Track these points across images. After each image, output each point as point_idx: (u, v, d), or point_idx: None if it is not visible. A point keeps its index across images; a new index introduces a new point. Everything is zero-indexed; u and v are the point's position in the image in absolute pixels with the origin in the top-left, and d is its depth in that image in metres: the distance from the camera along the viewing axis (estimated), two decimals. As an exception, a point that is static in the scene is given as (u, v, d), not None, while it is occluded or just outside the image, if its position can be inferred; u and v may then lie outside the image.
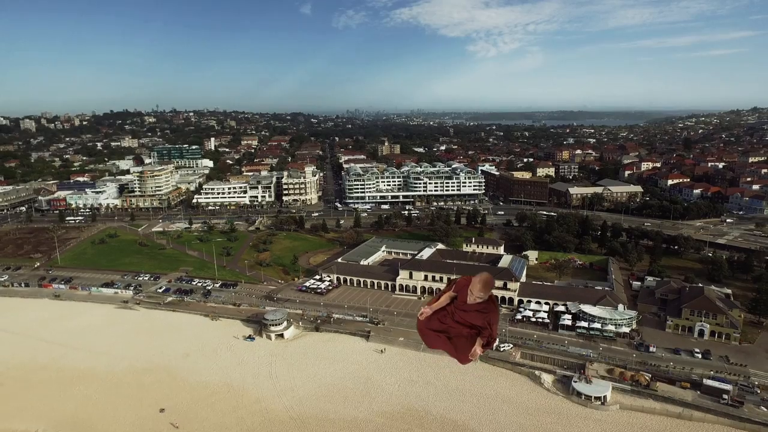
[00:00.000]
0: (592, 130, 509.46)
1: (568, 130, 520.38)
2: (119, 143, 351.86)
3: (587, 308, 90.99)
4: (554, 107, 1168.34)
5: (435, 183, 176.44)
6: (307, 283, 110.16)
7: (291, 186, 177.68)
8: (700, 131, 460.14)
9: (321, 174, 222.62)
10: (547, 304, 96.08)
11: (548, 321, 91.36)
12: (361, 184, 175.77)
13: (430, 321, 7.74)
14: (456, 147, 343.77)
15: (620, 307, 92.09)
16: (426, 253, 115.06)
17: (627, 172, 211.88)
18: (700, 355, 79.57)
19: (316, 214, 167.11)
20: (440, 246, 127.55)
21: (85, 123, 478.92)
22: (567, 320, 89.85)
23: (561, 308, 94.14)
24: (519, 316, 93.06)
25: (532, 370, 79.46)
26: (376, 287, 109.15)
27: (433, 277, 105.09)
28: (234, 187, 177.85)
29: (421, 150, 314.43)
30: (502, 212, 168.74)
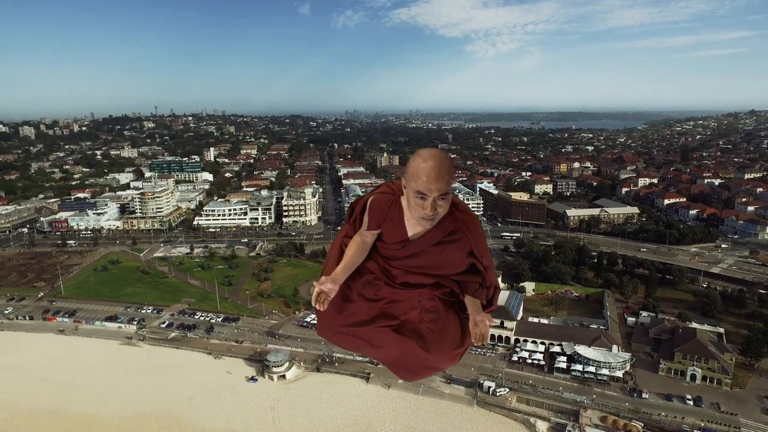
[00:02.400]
0: (591, 135, 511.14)
1: (566, 135, 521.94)
2: (119, 152, 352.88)
3: (582, 350, 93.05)
4: (553, 108, 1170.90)
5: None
6: (308, 318, 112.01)
7: (291, 207, 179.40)
8: (698, 137, 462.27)
9: (320, 190, 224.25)
10: (543, 344, 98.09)
11: (544, 363, 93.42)
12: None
13: (344, 308, 4.85)
14: (454, 155, 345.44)
15: (614, 348, 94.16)
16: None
17: (624, 189, 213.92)
18: (691, 402, 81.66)
19: (317, 236, 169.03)
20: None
21: (84, 128, 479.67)
22: (562, 362, 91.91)
23: (556, 348, 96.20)
24: (515, 357, 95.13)
25: (527, 417, 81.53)
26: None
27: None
28: (234, 209, 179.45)
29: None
30: (501, 233, 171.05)
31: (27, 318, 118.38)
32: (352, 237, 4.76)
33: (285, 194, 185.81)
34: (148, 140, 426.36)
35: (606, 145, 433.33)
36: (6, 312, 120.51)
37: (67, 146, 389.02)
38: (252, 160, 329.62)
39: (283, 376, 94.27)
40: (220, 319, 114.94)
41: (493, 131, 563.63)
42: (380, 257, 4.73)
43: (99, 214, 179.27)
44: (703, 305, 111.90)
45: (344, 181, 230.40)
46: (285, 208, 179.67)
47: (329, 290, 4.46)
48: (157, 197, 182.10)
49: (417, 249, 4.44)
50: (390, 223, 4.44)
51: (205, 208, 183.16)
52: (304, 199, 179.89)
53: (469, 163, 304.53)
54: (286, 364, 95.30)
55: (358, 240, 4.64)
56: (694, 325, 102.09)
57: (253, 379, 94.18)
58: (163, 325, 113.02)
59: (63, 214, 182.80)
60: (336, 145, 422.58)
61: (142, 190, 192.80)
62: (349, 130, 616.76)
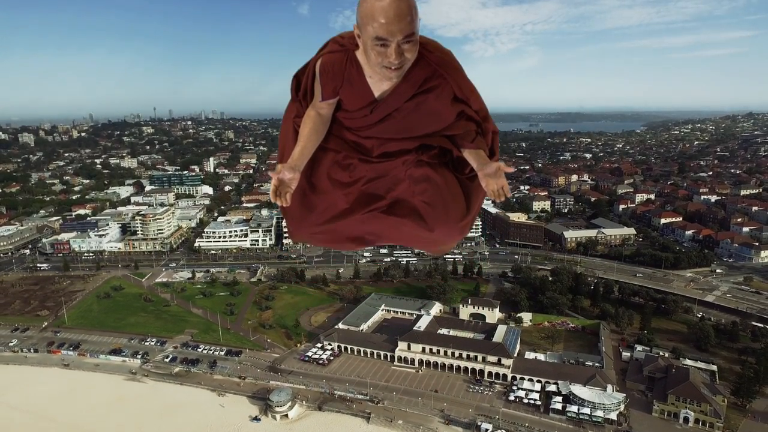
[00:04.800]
0: (589, 140, 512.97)
1: (565, 140, 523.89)
2: (118, 161, 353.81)
3: (577, 389, 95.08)
4: (551, 108, 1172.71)
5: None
6: (309, 353, 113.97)
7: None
8: (696, 142, 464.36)
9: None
10: (539, 382, 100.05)
11: (540, 403, 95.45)
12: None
13: (316, 202, 4.21)
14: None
15: (609, 387, 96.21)
16: (423, 321, 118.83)
17: (621, 207, 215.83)
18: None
19: (317, 259, 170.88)
20: (437, 306, 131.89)
21: (83, 134, 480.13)
22: (558, 403, 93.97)
23: (552, 388, 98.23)
24: (512, 397, 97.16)
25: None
26: (375, 357, 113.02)
27: (431, 350, 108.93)
28: (235, 230, 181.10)
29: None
30: (498, 251, 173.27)
31: (31, 350, 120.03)
32: (305, 113, 3.96)
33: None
34: (147, 147, 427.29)
35: (604, 152, 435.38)
36: (11, 344, 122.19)
37: (66, 154, 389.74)
38: (251, 170, 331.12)
39: (286, 416, 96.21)
40: (222, 353, 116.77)
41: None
42: (346, 130, 3.97)
43: (100, 236, 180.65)
44: (697, 338, 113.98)
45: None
46: (285, 229, 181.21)
47: (289, 180, 3.72)
48: (158, 219, 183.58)
49: (389, 110, 3.70)
50: (349, 86, 3.67)
51: (206, 230, 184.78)
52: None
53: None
54: (289, 403, 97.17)
55: (312, 115, 3.88)
56: (688, 362, 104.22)
57: (256, 418, 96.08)
58: (167, 359, 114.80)
59: (65, 236, 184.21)
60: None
61: (143, 212, 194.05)
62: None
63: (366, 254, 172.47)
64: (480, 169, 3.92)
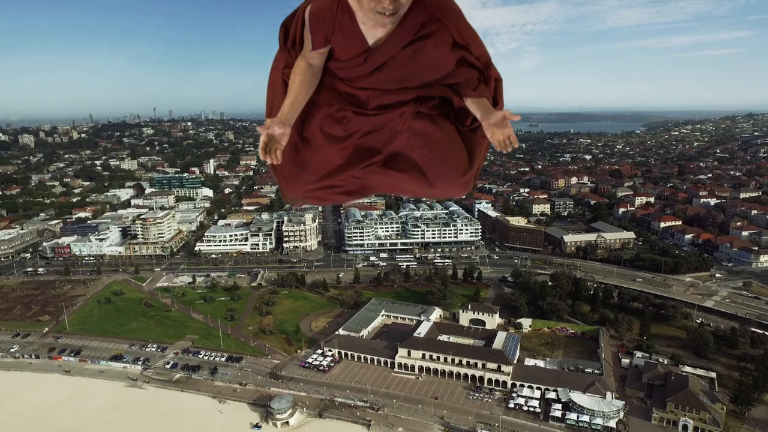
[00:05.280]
0: (589, 141, 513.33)
1: (564, 141, 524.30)
2: (118, 163, 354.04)
3: (577, 397, 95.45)
4: (551, 108, 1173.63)
5: (433, 231, 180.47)
6: (310, 359, 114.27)
7: (291, 233, 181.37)
8: (696, 144, 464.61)
9: (320, 209, 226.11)
10: (539, 389, 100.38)
11: (539, 410, 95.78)
12: (359, 232, 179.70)
13: (308, 159, 3.98)
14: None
15: (608, 395, 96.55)
16: (423, 327, 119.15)
17: (621, 210, 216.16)
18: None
19: (317, 264, 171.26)
20: (437, 311, 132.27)
21: (83, 135, 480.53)
22: (557, 410, 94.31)
23: (552, 395, 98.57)
24: (512, 404, 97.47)
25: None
26: (376, 363, 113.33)
27: (431, 357, 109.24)
28: (235, 234, 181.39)
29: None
30: (497, 257, 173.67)
31: (33, 356, 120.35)
32: (294, 64, 3.71)
33: (285, 219, 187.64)
34: (148, 148, 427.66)
35: (604, 153, 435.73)
36: (12, 350, 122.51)
37: (66, 155, 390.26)
38: (251, 172, 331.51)
39: (287, 423, 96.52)
40: (223, 359, 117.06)
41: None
42: (339, 81, 3.75)
43: (101, 239, 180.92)
44: (696, 345, 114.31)
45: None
46: (285, 233, 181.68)
47: (279, 135, 3.51)
48: (158, 222, 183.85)
49: (384, 58, 3.49)
50: (341, 34, 3.46)
51: (206, 234, 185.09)
52: (304, 224, 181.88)
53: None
54: (290, 410, 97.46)
55: (302, 66, 3.65)
56: (687, 369, 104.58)
57: (257, 426, 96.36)
58: (168, 366, 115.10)
59: (65, 239, 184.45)
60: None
61: (144, 215, 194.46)
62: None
63: (372, 259, 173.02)
64: (484, 118, 3.73)
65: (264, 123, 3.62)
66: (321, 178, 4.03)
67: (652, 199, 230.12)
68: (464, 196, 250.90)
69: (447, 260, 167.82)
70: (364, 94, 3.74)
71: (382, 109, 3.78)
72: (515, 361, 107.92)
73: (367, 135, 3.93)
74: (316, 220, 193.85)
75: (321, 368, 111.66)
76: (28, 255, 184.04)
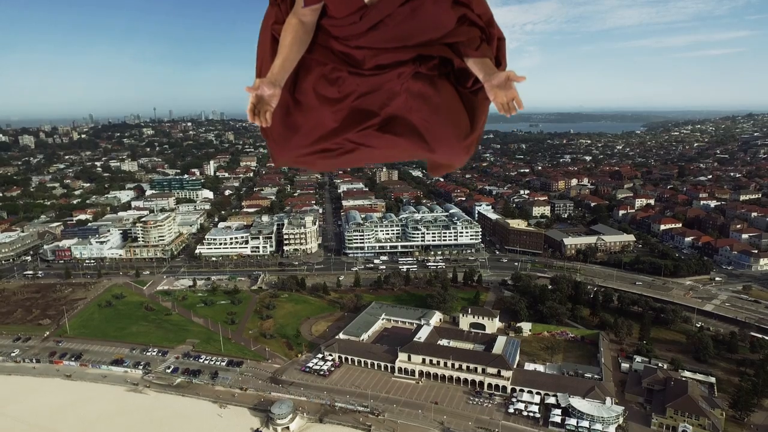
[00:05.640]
0: (589, 141, 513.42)
1: (565, 141, 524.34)
2: (119, 164, 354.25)
3: (576, 402, 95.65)
4: (551, 108, 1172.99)
5: (433, 234, 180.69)
6: (310, 363, 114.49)
7: (292, 236, 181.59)
8: (696, 144, 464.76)
9: (320, 211, 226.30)
10: (538, 394, 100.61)
11: (539, 416, 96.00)
12: (360, 235, 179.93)
13: (300, 122, 3.76)
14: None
15: (608, 400, 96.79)
16: (424, 332, 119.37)
17: (621, 212, 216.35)
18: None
19: (318, 267, 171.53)
20: (437, 315, 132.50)
21: (83, 136, 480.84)
22: (557, 416, 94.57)
23: (552, 400, 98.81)
24: (512, 409, 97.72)
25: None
26: (376, 368, 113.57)
27: (431, 361, 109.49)
28: (236, 237, 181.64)
29: (419, 173, 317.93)
30: (498, 258, 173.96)
31: (34, 361, 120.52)
32: (285, 21, 3.50)
33: (286, 221, 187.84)
34: (148, 149, 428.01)
35: (604, 153, 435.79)
36: (12, 354, 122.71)
37: (67, 156, 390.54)
38: (252, 174, 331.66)
39: (287, 428, 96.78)
40: (224, 363, 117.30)
41: (491, 135, 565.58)
42: (333, 39, 3.54)
43: (102, 242, 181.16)
44: (695, 349, 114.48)
45: (344, 202, 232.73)
46: (286, 236, 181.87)
47: (269, 96, 3.32)
48: (159, 225, 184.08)
49: (381, 16, 3.27)
50: None
51: (206, 237, 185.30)
52: (304, 227, 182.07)
53: (468, 176, 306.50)
54: (290, 415, 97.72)
55: (294, 23, 3.44)
56: (687, 374, 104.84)
57: (257, 431, 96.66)
58: (169, 370, 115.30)
59: (66, 242, 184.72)
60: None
61: (144, 218, 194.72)
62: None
63: (375, 262, 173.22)
64: (486, 80, 3.56)
65: (253, 83, 3.42)
66: (314, 142, 3.82)
67: (652, 201, 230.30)
68: (464, 197, 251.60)
69: (442, 264, 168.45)
70: (360, 53, 3.54)
71: (378, 70, 3.59)
72: (515, 366, 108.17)
73: (362, 96, 3.72)
74: (317, 223, 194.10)
75: (321, 373, 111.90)
76: (29, 258, 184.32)
